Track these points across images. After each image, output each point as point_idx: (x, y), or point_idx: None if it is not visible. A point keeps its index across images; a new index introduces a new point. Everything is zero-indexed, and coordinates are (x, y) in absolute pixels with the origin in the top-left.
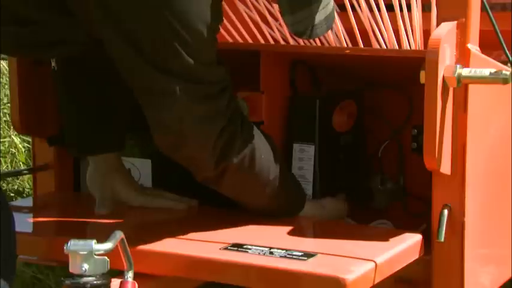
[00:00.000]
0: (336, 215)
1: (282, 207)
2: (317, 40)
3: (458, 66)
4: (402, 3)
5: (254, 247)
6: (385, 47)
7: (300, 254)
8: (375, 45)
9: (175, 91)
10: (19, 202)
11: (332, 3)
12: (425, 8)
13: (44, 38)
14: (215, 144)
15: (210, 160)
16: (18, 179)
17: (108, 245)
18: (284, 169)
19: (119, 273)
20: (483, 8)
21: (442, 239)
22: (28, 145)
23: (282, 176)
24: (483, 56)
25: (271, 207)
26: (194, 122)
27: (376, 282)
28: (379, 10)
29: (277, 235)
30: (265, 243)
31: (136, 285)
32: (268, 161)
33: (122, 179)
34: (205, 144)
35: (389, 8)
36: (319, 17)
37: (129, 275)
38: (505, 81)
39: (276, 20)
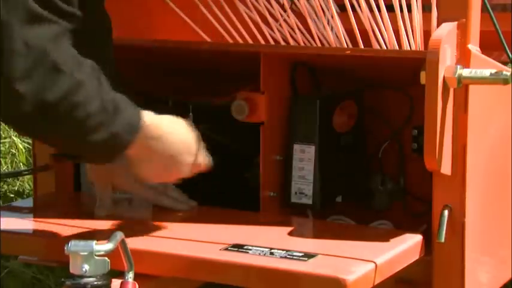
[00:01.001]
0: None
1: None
2: (317, 41)
3: (458, 66)
4: (402, 4)
5: (254, 248)
6: (385, 48)
7: (301, 254)
8: (375, 46)
9: None
10: (19, 203)
11: None
12: (426, 9)
13: None
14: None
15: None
16: (18, 179)
17: (108, 246)
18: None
19: (120, 274)
20: (483, 9)
21: (443, 240)
22: (28, 145)
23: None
24: (483, 56)
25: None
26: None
27: (376, 282)
28: (379, 10)
29: (277, 235)
30: (265, 244)
31: (137, 285)
32: (93, 97)
33: (122, 170)
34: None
35: (390, 8)
36: None
37: (130, 276)
38: (505, 81)
39: (276, 20)
